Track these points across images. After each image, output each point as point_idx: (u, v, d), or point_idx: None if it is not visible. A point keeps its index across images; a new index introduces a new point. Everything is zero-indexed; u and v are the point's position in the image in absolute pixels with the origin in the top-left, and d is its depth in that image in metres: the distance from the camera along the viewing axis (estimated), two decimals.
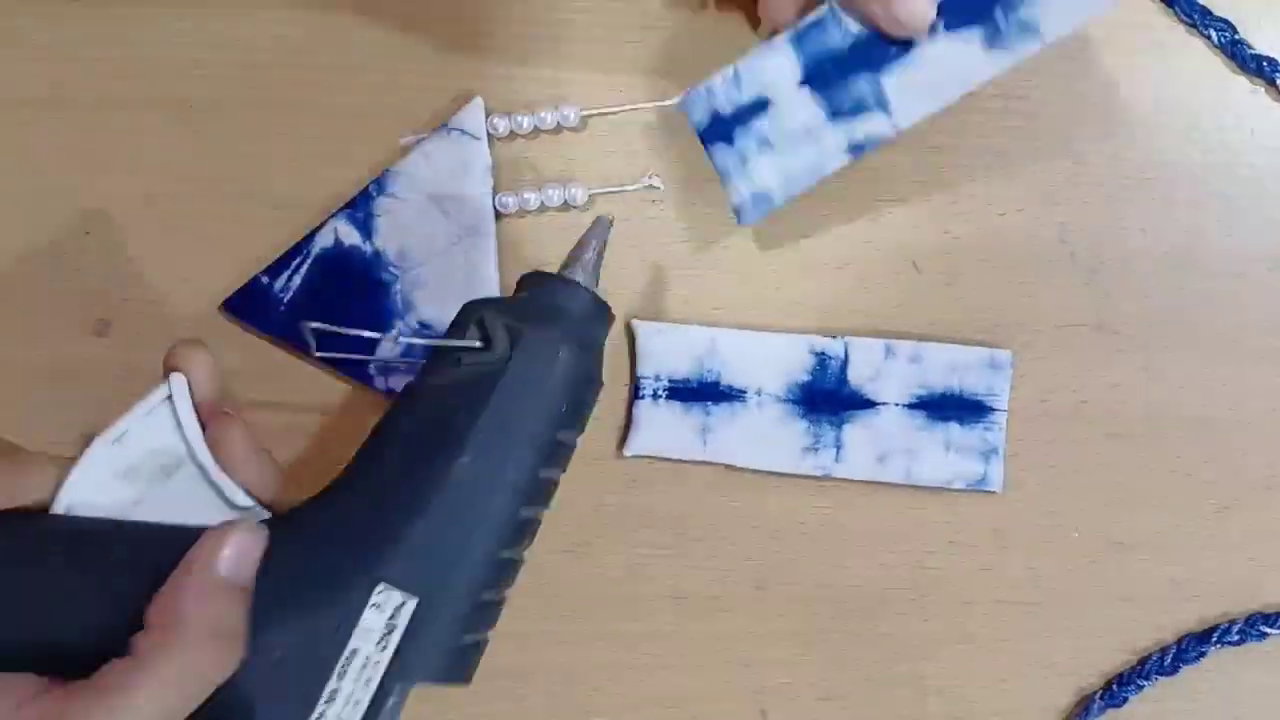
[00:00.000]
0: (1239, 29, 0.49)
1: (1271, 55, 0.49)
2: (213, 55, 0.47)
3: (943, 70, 0.43)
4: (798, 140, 0.45)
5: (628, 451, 0.47)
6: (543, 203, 0.48)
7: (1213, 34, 0.49)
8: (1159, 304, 0.49)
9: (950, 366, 0.48)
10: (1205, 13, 0.49)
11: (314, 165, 0.48)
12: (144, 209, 0.47)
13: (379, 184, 0.47)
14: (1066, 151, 0.49)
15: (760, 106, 0.44)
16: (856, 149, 0.45)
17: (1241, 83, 0.49)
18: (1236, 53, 0.49)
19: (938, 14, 0.43)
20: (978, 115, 0.48)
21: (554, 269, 0.40)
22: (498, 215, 0.48)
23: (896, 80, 0.44)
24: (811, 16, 0.44)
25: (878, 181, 0.48)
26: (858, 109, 0.44)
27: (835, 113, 0.44)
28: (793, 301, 0.48)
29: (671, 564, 0.48)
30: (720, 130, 0.45)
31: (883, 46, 0.44)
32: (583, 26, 0.48)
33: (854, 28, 0.44)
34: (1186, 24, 0.49)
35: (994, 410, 0.48)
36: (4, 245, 0.47)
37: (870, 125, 0.44)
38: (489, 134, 0.47)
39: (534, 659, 0.48)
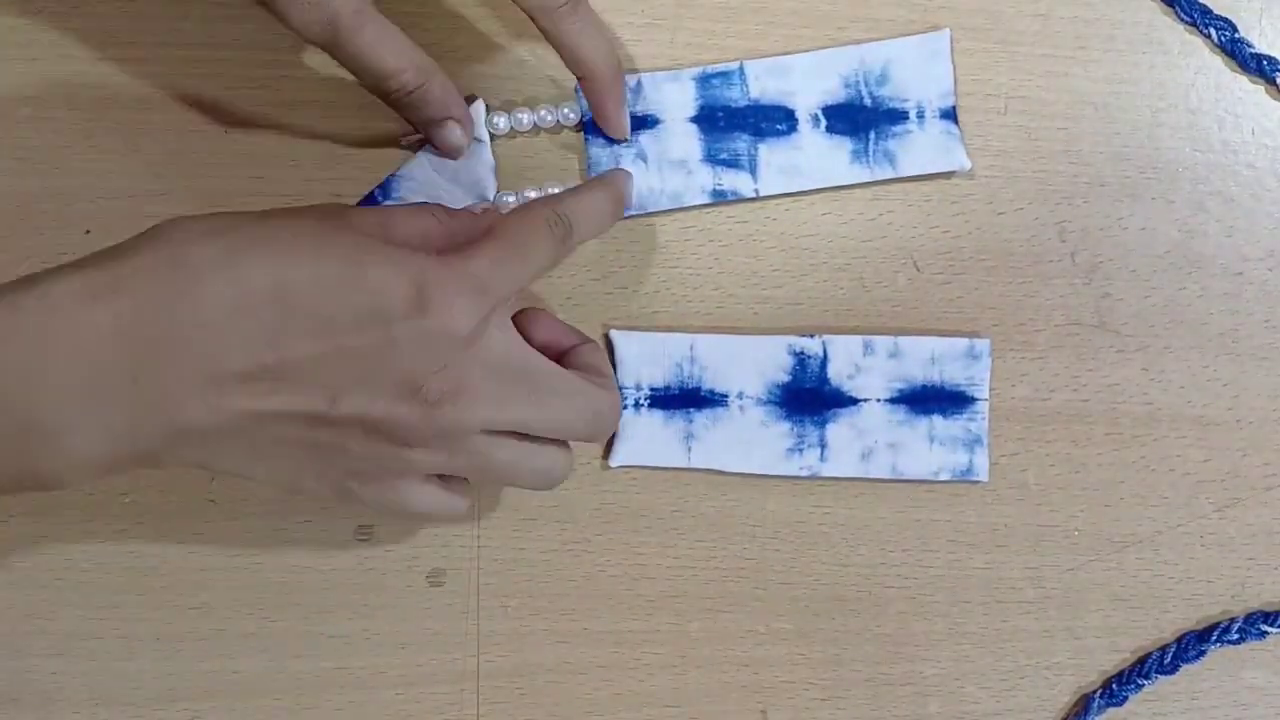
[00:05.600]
0: (1239, 28, 0.49)
1: (1271, 54, 0.49)
2: (212, 55, 0.47)
3: (812, 161, 0.48)
4: (671, 167, 0.47)
5: (612, 462, 0.47)
6: None
7: (1213, 33, 0.49)
8: (1159, 304, 0.49)
9: (930, 359, 0.48)
10: (1205, 12, 0.49)
11: (315, 166, 0.47)
12: (144, 209, 0.47)
13: (384, 189, 0.47)
14: (1066, 151, 0.49)
15: (650, 122, 0.47)
16: (719, 194, 0.47)
17: (1241, 82, 0.49)
18: (1236, 52, 0.49)
19: (822, 113, 0.47)
20: (978, 115, 0.49)
21: None
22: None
23: (771, 152, 0.47)
24: (723, 65, 0.47)
25: (877, 181, 0.48)
26: (731, 163, 0.47)
27: (711, 158, 0.47)
28: (793, 302, 0.48)
29: (671, 564, 0.48)
30: None
31: (771, 120, 0.47)
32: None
33: (754, 93, 0.47)
34: (1186, 23, 0.49)
35: (975, 400, 0.48)
36: (4, 245, 0.47)
37: (737, 181, 0.47)
38: (489, 133, 0.47)
39: (534, 659, 0.48)
